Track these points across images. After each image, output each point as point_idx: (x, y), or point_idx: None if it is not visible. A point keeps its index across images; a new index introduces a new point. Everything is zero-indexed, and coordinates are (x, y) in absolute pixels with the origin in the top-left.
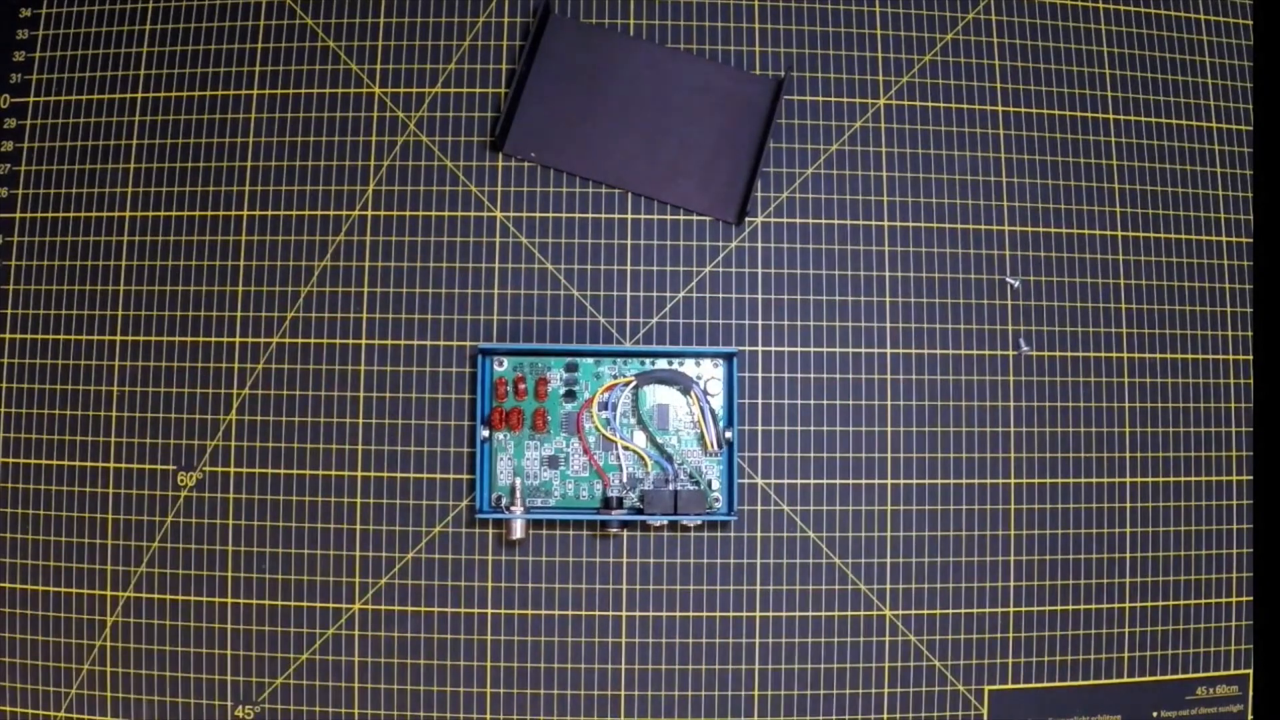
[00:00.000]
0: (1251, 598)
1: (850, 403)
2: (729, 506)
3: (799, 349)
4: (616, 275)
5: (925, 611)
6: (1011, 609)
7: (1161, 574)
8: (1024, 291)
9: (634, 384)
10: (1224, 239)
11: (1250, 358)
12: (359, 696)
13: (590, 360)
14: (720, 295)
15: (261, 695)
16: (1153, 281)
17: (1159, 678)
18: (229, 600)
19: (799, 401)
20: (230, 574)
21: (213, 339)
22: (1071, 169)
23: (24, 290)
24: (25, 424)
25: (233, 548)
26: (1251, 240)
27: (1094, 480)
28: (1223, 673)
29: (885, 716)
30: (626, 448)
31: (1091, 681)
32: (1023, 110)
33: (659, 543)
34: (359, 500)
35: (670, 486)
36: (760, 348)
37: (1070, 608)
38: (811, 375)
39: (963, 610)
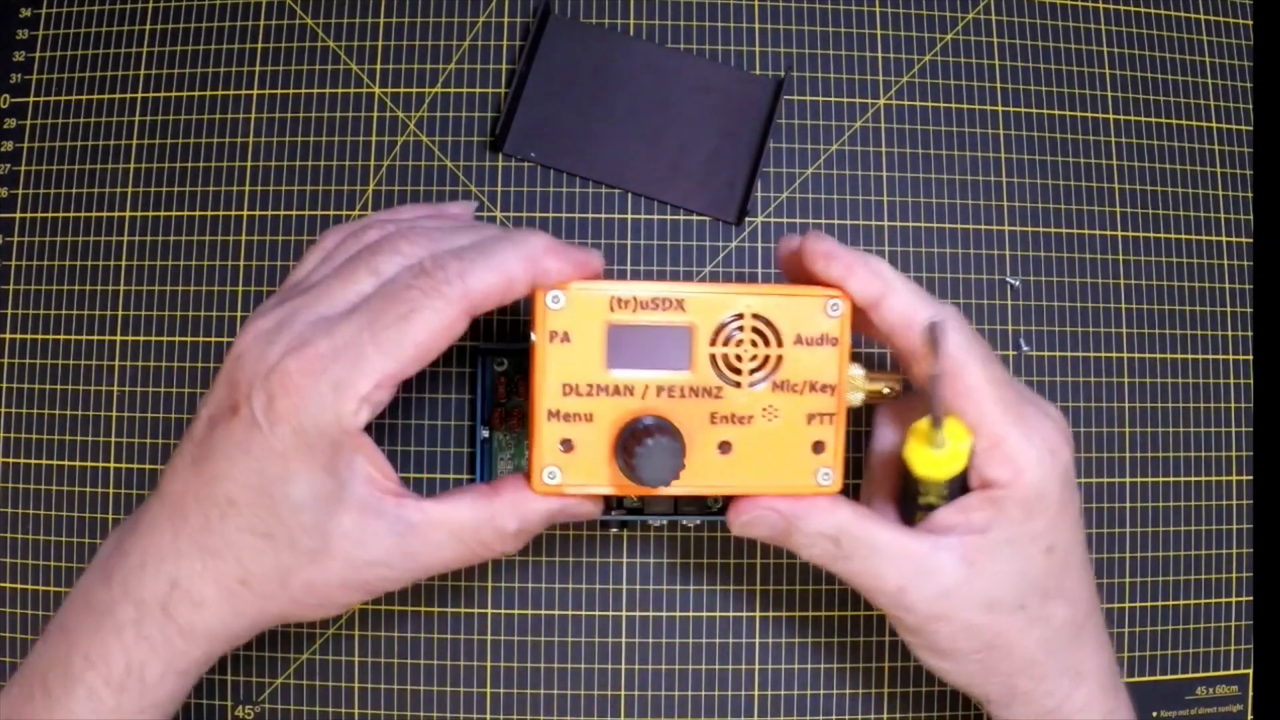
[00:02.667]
0: (1251, 598)
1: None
2: (729, 507)
3: None
4: (616, 275)
5: None
6: None
7: (1161, 574)
8: (1024, 291)
9: None
10: (1224, 239)
11: (1250, 358)
12: (359, 696)
13: None
14: None
15: (261, 695)
16: (1153, 281)
17: (1159, 678)
18: None
19: None
20: None
21: (213, 339)
22: (1071, 169)
23: (24, 290)
24: (25, 424)
25: None
26: (1251, 240)
27: (1094, 480)
28: (1223, 673)
29: (885, 716)
30: None
31: None
32: (1023, 110)
33: (659, 543)
34: None
35: None
36: None
37: None
38: None
39: None
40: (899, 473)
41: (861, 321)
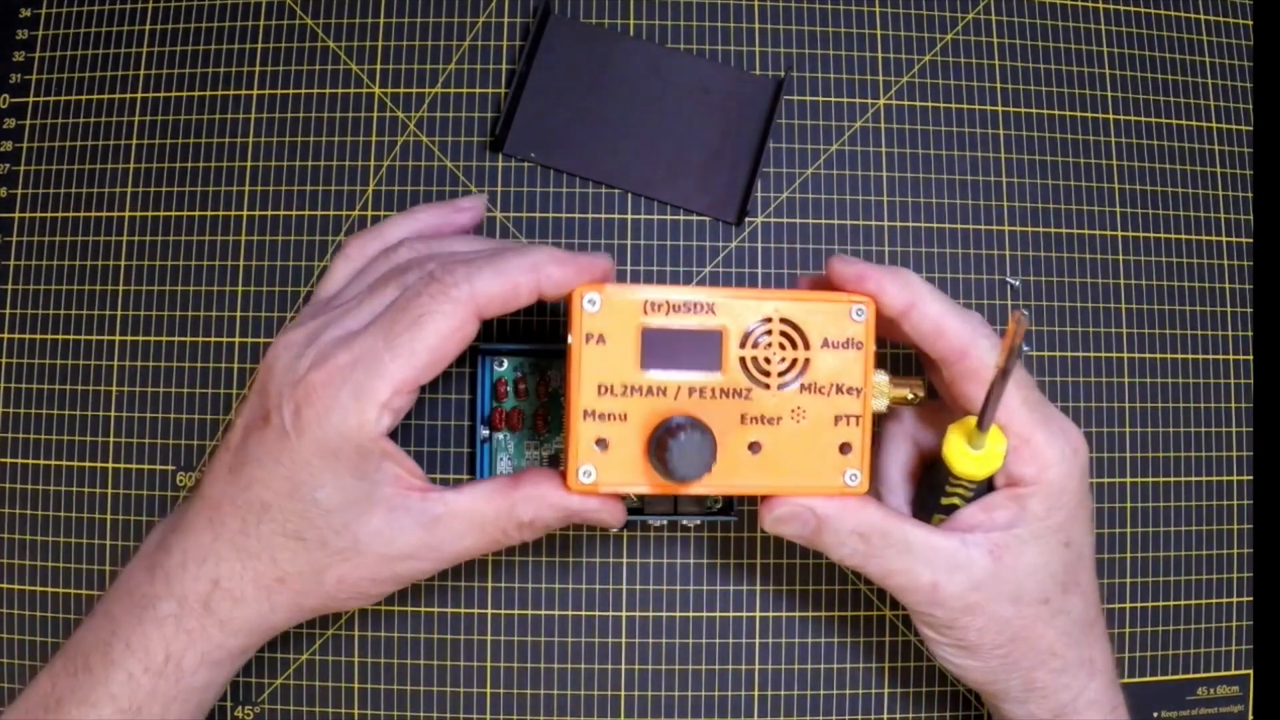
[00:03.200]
0: (1252, 598)
1: None
2: (729, 506)
3: None
4: (616, 275)
5: None
6: None
7: (1161, 574)
8: (1024, 291)
9: None
10: (1224, 239)
11: (1250, 358)
12: (359, 696)
13: None
14: None
15: (261, 695)
16: (1153, 281)
17: (1159, 678)
18: None
19: None
20: None
21: (213, 339)
22: (1071, 169)
23: (24, 290)
24: (25, 424)
25: None
26: (1251, 240)
27: (1094, 480)
28: (1223, 673)
29: (885, 716)
30: None
31: None
32: (1023, 110)
33: (659, 543)
34: None
35: None
36: None
37: None
38: None
39: None
40: (915, 474)
41: (889, 327)
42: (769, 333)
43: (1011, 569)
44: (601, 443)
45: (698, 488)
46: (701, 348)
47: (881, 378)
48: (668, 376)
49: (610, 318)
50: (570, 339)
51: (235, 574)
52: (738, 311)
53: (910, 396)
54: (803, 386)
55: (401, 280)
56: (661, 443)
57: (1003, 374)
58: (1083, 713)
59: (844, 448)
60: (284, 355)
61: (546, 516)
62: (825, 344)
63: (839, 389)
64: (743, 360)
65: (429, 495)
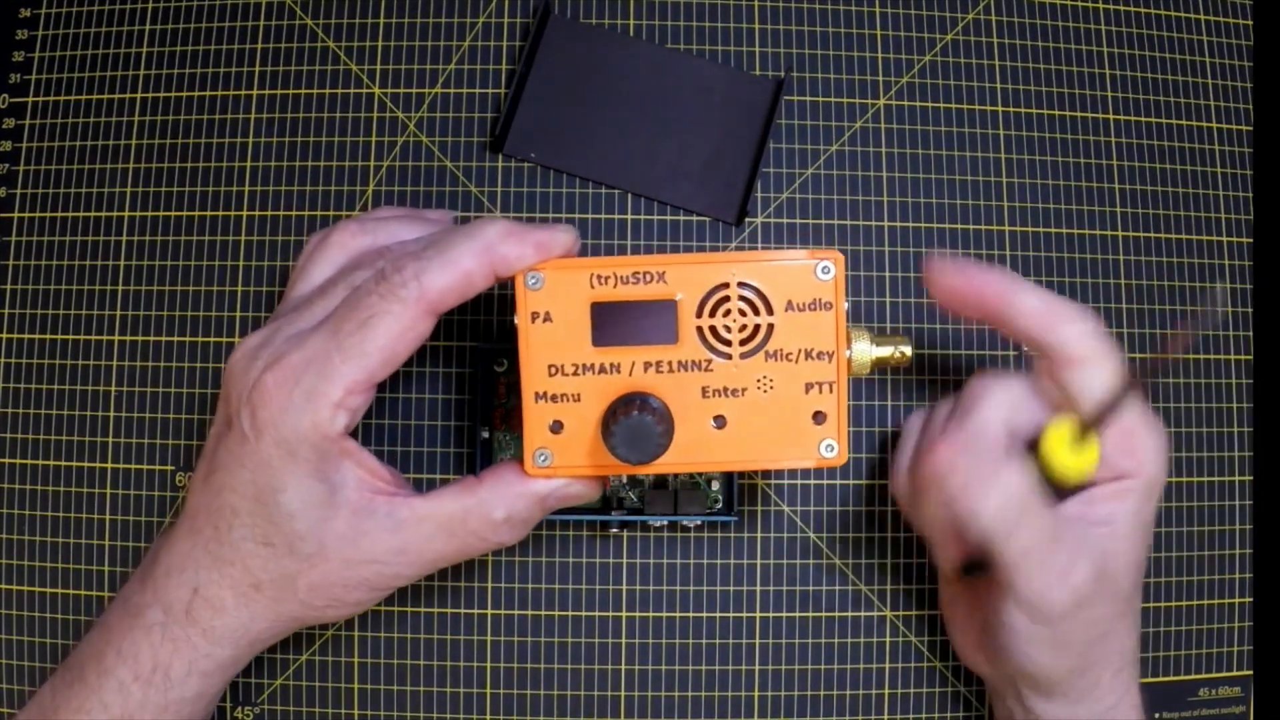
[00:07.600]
0: (1252, 599)
1: (851, 403)
2: (729, 507)
3: None
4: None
5: (926, 612)
6: None
7: (1162, 575)
8: None
9: None
10: (1224, 239)
11: (1250, 358)
12: (358, 697)
13: None
14: None
15: (261, 696)
16: (1153, 281)
17: (1160, 679)
18: None
19: None
20: None
21: (212, 339)
22: (1071, 169)
23: (23, 290)
24: (25, 424)
25: None
26: (1251, 240)
27: None
28: (1225, 674)
29: (885, 717)
30: None
31: None
32: (1023, 110)
33: (659, 543)
34: None
35: (670, 486)
36: None
37: None
38: None
39: None
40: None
41: (953, 302)
42: (727, 299)
43: (1115, 567)
44: (556, 425)
45: (659, 467)
46: (656, 319)
47: (862, 344)
48: (621, 352)
49: (556, 294)
50: (516, 319)
51: (213, 582)
52: (691, 278)
53: (896, 356)
54: (767, 354)
55: (350, 279)
56: (607, 425)
57: (1131, 385)
58: (1120, 717)
59: (818, 416)
60: (241, 360)
61: (520, 508)
62: (790, 307)
63: (809, 354)
64: (700, 330)
65: (394, 499)
